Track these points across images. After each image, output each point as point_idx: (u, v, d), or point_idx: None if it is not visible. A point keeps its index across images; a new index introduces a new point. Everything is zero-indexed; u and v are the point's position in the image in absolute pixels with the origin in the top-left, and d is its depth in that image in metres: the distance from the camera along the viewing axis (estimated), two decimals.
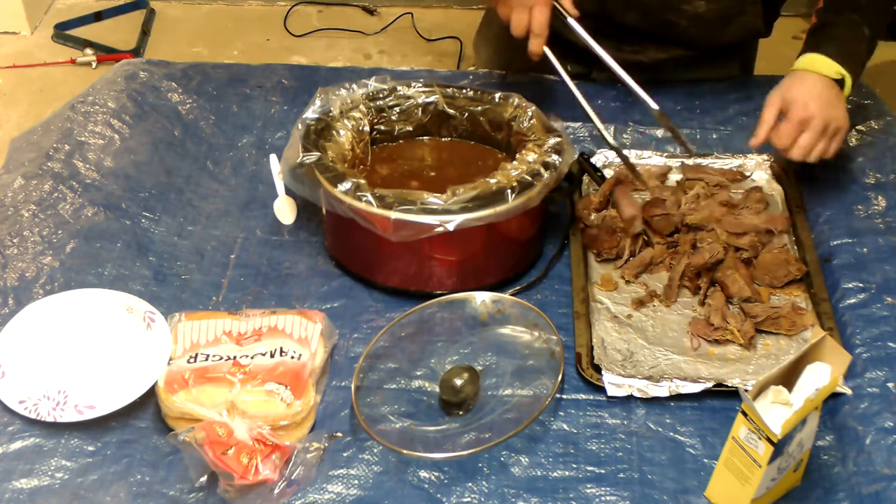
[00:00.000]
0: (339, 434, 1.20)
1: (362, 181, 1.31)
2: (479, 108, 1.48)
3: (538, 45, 1.44)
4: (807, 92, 1.39)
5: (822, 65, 1.41)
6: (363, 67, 1.94)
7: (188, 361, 1.21)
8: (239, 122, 1.67)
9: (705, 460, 1.17)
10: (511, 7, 1.44)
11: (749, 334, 1.30)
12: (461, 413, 1.22)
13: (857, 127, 1.59)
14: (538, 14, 1.42)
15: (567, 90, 1.65)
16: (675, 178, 1.55)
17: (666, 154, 1.58)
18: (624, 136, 1.63)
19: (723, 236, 1.39)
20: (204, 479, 1.12)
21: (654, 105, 1.38)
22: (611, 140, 1.42)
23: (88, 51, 3.22)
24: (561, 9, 1.45)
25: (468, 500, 1.13)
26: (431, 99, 1.50)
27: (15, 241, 1.40)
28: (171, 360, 1.22)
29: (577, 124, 1.63)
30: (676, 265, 1.38)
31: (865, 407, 1.20)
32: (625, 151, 1.58)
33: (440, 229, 1.26)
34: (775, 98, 1.42)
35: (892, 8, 1.48)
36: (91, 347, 1.23)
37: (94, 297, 1.30)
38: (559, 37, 1.47)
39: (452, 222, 1.26)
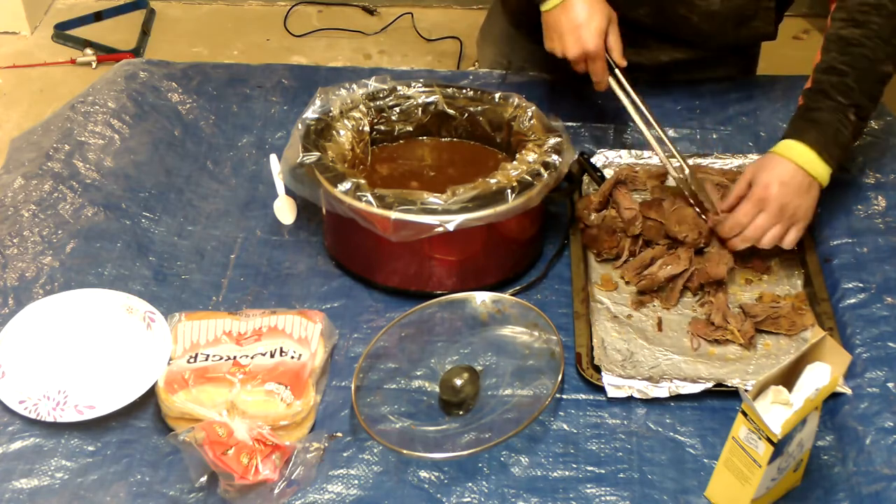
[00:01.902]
0: (339, 434, 1.20)
1: (362, 181, 1.31)
2: (479, 108, 1.48)
3: (602, 87, 1.49)
4: (774, 175, 1.34)
5: (799, 153, 1.35)
6: (363, 67, 1.94)
7: (188, 361, 1.21)
8: (239, 122, 1.67)
9: (705, 460, 1.17)
10: (562, 47, 1.46)
11: (749, 334, 1.30)
12: (461, 413, 1.22)
13: None
14: (594, 68, 1.46)
15: (569, 91, 1.65)
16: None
17: (666, 154, 1.58)
18: (624, 136, 1.63)
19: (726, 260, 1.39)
20: (204, 479, 1.12)
21: (682, 170, 1.44)
22: (674, 172, 1.45)
23: (88, 51, 3.22)
24: (611, 60, 1.46)
25: (468, 500, 1.13)
26: (431, 99, 1.50)
27: (15, 241, 1.40)
28: (171, 360, 1.22)
29: (577, 124, 1.63)
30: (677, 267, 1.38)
31: (865, 407, 1.20)
32: (624, 151, 1.58)
33: (440, 229, 1.26)
34: (748, 173, 1.38)
35: (881, 92, 1.41)
36: (91, 347, 1.23)
37: (94, 297, 1.30)
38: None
39: (452, 222, 1.26)
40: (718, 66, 1.72)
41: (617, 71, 1.47)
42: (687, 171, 1.43)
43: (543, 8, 1.45)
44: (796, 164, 1.34)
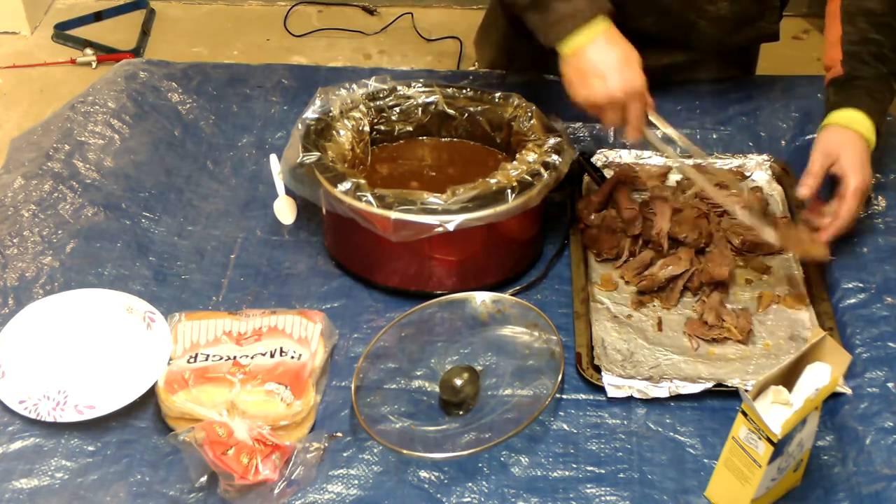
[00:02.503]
0: (339, 434, 1.20)
1: (362, 181, 1.31)
2: (479, 108, 1.48)
3: (637, 135, 1.35)
4: (861, 157, 1.36)
5: (866, 126, 1.38)
6: (363, 67, 1.94)
7: (188, 361, 1.21)
8: (239, 122, 1.67)
9: (705, 460, 1.17)
10: (606, 89, 1.29)
11: (746, 329, 1.30)
12: (461, 413, 1.22)
13: None
14: (637, 110, 1.32)
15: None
16: (675, 178, 1.55)
17: (666, 154, 1.58)
18: (624, 136, 1.62)
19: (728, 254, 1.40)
20: (204, 479, 1.12)
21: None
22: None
23: (88, 51, 3.22)
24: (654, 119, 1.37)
25: (468, 500, 1.13)
26: (431, 99, 1.50)
27: (15, 241, 1.40)
28: (171, 360, 1.22)
29: (578, 124, 1.63)
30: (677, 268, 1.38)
31: (865, 407, 1.20)
32: (624, 151, 1.58)
33: (440, 229, 1.26)
34: (827, 151, 1.37)
35: None
36: (91, 347, 1.23)
37: (94, 297, 1.30)
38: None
39: (452, 222, 1.26)
40: (718, 67, 1.72)
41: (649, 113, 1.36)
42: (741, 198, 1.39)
43: (567, 49, 1.29)
44: (865, 137, 1.38)
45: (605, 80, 1.28)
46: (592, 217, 1.45)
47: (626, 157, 1.58)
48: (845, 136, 1.38)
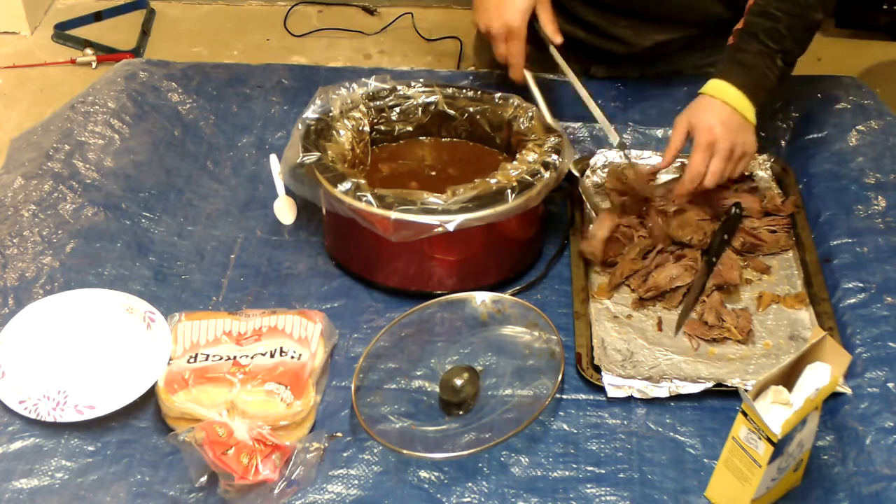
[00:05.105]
0: (339, 434, 1.20)
1: (362, 181, 1.31)
2: (479, 108, 1.48)
3: (517, 74, 1.50)
4: (712, 117, 1.38)
5: (730, 94, 1.38)
6: (363, 67, 1.94)
7: (188, 361, 1.21)
8: (239, 122, 1.67)
9: (705, 460, 1.17)
10: (487, 22, 1.48)
11: (746, 328, 1.30)
12: (461, 413, 1.22)
13: (857, 127, 1.59)
14: (513, 48, 1.47)
15: (569, 90, 1.64)
16: (664, 178, 1.53)
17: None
18: (624, 135, 1.62)
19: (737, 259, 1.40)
20: (204, 479, 1.12)
21: (615, 138, 1.46)
22: (613, 137, 1.45)
23: (88, 51, 3.22)
24: (543, 35, 1.48)
25: (468, 500, 1.13)
26: (431, 99, 1.50)
27: (15, 241, 1.40)
28: (171, 360, 1.22)
29: (578, 124, 1.63)
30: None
31: (865, 407, 1.20)
32: (625, 151, 1.58)
33: (440, 229, 1.26)
34: (682, 121, 1.41)
35: (809, 38, 1.45)
36: (91, 347, 1.23)
37: (94, 297, 1.30)
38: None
39: (452, 222, 1.26)
40: (710, 49, 1.69)
41: (552, 49, 1.48)
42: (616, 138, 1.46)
43: None
44: (729, 104, 1.38)
45: (486, 11, 1.47)
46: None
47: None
48: (706, 102, 1.40)
